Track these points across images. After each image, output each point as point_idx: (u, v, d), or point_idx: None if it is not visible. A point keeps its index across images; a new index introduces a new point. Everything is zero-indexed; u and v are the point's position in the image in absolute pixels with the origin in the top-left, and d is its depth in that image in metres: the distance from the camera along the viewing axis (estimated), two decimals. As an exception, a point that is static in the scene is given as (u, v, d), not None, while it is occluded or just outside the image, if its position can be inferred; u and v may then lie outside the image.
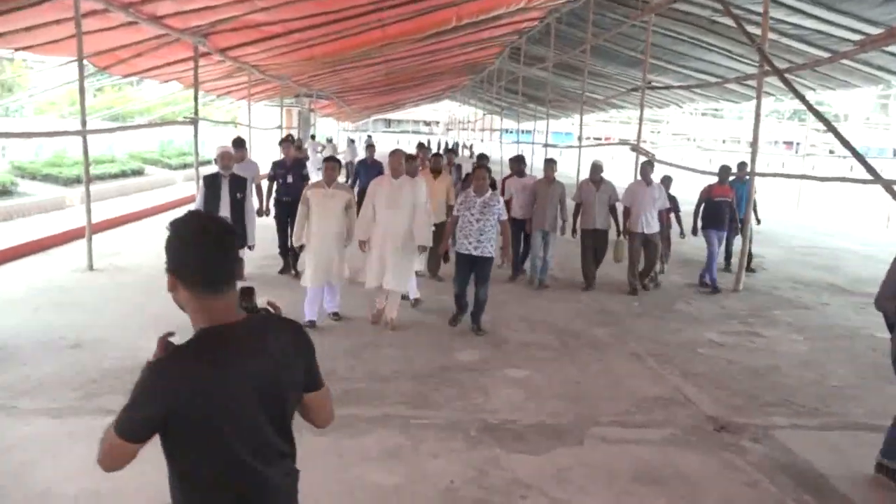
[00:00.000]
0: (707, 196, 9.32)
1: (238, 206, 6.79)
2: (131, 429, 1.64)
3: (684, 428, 4.78)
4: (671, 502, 3.76)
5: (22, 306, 6.90)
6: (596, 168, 8.82)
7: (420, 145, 12.04)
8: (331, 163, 6.74)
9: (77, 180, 14.85)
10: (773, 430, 4.81)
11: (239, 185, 6.81)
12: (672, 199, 9.38)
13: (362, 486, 3.78)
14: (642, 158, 10.95)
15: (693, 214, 9.41)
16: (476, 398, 5.12)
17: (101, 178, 17.50)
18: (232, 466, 1.68)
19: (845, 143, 6.72)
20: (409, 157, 6.97)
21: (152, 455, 3.96)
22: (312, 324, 6.47)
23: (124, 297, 7.46)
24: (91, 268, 8.72)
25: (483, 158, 10.46)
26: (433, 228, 7.32)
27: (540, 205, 8.67)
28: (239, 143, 8.59)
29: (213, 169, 7.63)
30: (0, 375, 5.09)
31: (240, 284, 1.79)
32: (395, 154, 6.76)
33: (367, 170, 10.88)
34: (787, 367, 6.23)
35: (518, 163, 9.39)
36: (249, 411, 1.68)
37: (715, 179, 9.44)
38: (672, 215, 9.49)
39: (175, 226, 1.70)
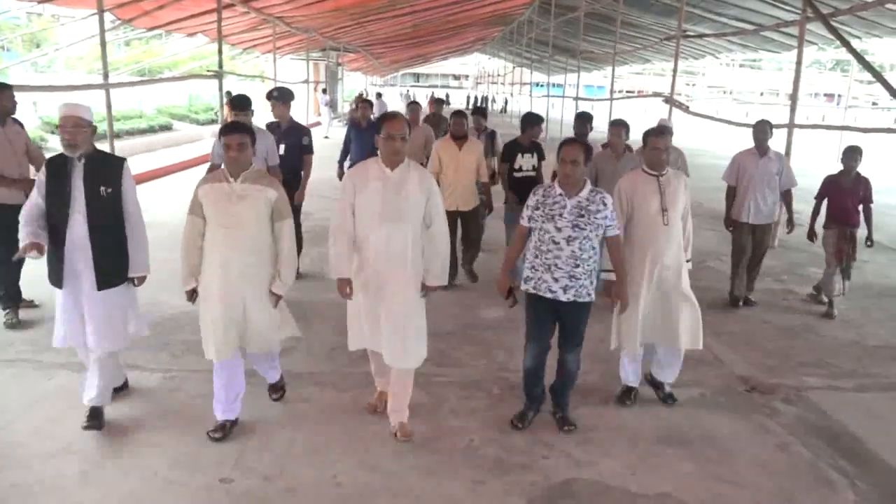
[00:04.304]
0: None
1: (104, 208, 3.71)
2: None
3: (713, 388, 4.64)
4: (698, 465, 3.65)
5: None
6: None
7: (412, 103, 7.94)
8: (236, 135, 3.57)
9: (104, 136, 14.95)
10: (808, 392, 4.65)
11: (106, 173, 3.75)
12: (863, 182, 6.39)
13: (380, 442, 3.73)
14: (676, 111, 10.59)
15: None
16: (499, 356, 5.03)
17: (130, 133, 17.60)
18: None
19: (893, 93, 6.37)
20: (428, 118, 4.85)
21: (172, 415, 3.92)
22: (226, 428, 3.73)
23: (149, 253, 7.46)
24: (118, 223, 8.75)
25: (536, 119, 6.64)
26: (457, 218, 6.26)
27: (604, 188, 6.17)
28: (240, 104, 5.50)
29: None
30: (25, 330, 5.17)
31: None
32: (392, 123, 3.56)
33: (361, 138, 7.21)
34: (823, 327, 6.04)
35: (583, 122, 6.68)
36: None
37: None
38: (860, 208, 6.53)
39: None
